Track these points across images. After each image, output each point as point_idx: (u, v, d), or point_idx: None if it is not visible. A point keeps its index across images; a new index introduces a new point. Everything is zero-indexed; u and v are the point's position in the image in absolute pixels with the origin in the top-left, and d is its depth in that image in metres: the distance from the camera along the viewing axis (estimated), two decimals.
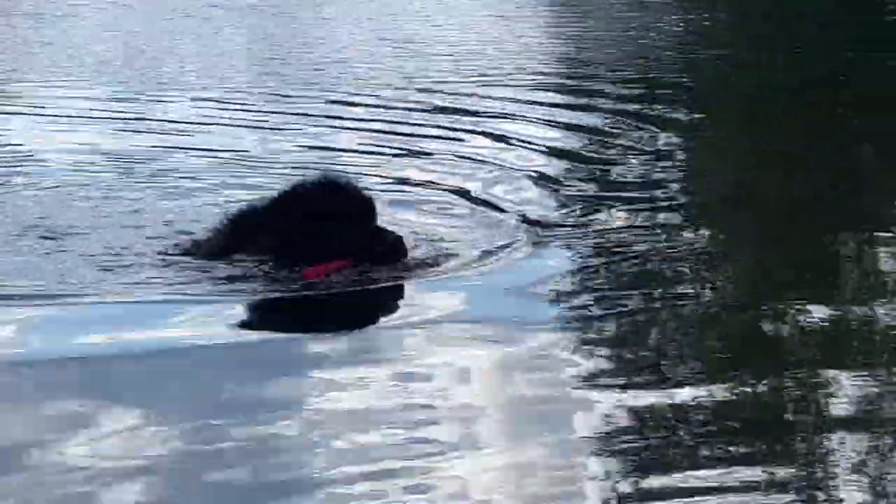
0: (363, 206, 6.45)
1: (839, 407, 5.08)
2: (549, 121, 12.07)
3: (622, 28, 20.34)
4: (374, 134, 11.33)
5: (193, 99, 13.12)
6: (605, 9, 23.16)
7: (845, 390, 5.23)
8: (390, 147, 10.62)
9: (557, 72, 16.48)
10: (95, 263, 6.59)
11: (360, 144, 10.76)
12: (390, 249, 6.36)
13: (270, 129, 11.54)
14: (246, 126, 11.61)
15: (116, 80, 14.54)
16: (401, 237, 6.48)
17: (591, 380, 5.27)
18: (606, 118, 12.22)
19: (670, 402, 5.04)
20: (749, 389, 5.24)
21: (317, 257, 6.21)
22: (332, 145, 10.69)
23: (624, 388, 5.18)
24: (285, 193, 6.51)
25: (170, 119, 11.95)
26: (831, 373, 5.41)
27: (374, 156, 10.23)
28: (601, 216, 8.13)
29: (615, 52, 17.86)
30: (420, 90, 13.77)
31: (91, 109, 12.36)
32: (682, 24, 21.01)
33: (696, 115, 12.88)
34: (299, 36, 19.57)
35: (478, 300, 6.22)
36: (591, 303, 6.33)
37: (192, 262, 6.47)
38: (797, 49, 17.90)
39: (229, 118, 12.03)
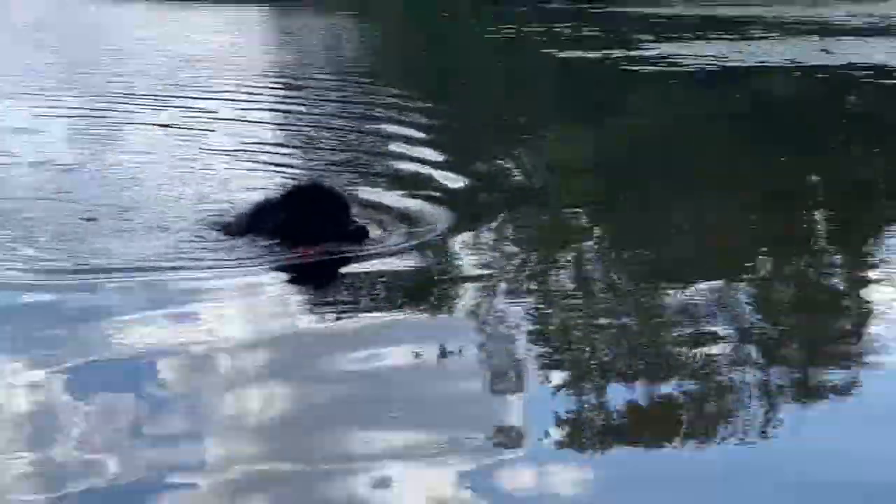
0: (338, 203, 8.23)
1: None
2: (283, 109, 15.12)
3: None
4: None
5: None
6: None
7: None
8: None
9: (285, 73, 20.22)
10: None
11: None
12: (354, 234, 8.08)
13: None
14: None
15: None
16: (363, 227, 8.14)
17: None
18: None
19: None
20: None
21: (304, 240, 8.00)
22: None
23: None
24: (286, 192, 8.40)
25: None
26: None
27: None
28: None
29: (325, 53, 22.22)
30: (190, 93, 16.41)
31: None
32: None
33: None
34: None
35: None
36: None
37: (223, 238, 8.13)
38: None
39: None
